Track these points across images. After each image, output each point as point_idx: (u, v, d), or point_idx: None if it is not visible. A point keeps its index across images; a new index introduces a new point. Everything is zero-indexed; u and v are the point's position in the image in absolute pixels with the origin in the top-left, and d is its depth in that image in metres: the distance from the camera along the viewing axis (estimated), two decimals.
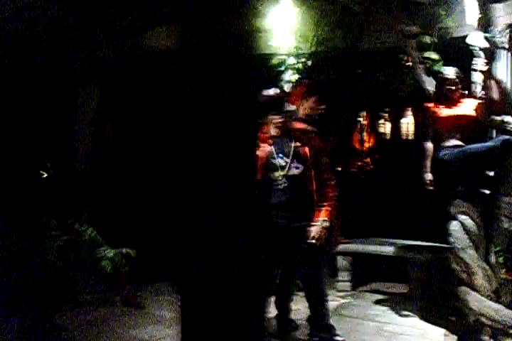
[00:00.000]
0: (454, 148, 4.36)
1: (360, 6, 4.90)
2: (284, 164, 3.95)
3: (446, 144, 4.43)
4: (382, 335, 4.17)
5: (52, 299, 4.30)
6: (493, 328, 3.98)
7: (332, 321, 4.05)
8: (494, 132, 4.42)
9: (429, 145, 4.54)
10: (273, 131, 4.02)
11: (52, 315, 4.28)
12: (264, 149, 4.01)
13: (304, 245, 3.89)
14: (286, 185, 3.93)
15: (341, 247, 5.12)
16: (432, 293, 4.96)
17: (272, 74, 5.42)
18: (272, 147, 4.02)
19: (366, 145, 8.12)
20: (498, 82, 4.24)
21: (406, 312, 4.77)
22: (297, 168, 3.93)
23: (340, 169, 7.64)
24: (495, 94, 4.25)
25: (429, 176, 4.54)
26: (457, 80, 4.45)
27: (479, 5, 4.27)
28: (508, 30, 4.25)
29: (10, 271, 4.06)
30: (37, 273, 4.06)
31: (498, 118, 4.26)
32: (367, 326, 4.45)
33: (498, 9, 4.27)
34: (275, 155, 3.99)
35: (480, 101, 4.33)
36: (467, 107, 4.41)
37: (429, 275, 5.02)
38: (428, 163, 4.55)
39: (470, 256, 4.13)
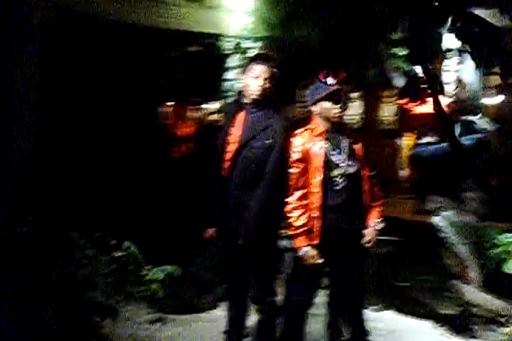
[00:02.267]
0: (429, 145, 4.46)
1: None
2: (340, 162, 3.47)
3: (421, 141, 4.49)
4: (378, 334, 4.02)
5: None
6: (484, 317, 4.21)
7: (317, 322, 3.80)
8: (458, 129, 4.64)
9: (402, 142, 4.55)
10: (324, 125, 3.49)
11: None
12: (320, 145, 3.44)
13: (360, 249, 3.49)
14: (344, 184, 3.45)
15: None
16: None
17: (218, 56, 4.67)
18: (326, 143, 3.47)
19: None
20: (465, 83, 4.50)
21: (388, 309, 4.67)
22: (352, 165, 3.50)
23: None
24: (463, 94, 4.49)
25: (405, 172, 4.56)
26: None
27: None
28: None
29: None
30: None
31: (467, 117, 4.52)
32: None
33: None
34: (332, 152, 3.46)
35: (450, 99, 4.50)
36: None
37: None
38: (402, 160, 4.56)
39: (463, 250, 4.29)
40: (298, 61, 4.78)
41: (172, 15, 4.68)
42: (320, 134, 3.49)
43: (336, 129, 3.54)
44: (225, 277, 3.73)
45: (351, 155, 3.52)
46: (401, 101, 4.63)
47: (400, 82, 4.68)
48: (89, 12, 4.25)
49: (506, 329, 4.18)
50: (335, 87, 3.45)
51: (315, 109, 3.50)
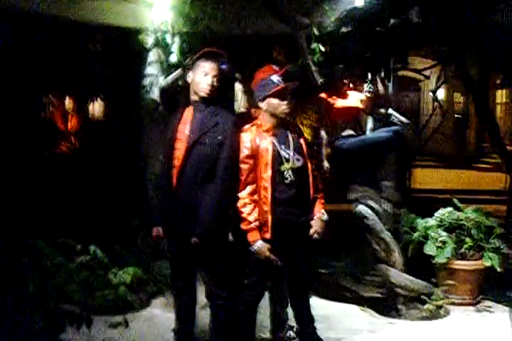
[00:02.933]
0: (350, 137, 4.73)
1: None
2: (287, 156, 3.61)
3: (342, 134, 4.74)
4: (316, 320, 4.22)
5: None
6: (407, 297, 4.58)
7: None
8: (370, 123, 4.94)
9: (323, 134, 4.76)
10: (271, 121, 3.60)
11: None
12: (268, 140, 3.55)
13: (308, 240, 3.67)
14: (292, 178, 3.60)
15: None
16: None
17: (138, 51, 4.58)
18: (274, 138, 3.59)
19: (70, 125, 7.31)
20: (380, 77, 4.81)
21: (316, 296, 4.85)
22: (298, 160, 3.65)
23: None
24: (380, 89, 4.81)
25: (326, 164, 4.77)
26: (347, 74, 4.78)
27: None
28: None
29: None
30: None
31: (383, 110, 4.83)
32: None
33: None
34: (279, 147, 3.59)
35: (367, 94, 4.79)
36: (355, 100, 4.81)
37: None
38: (324, 151, 4.78)
39: (388, 236, 4.61)
40: None
41: (92, 9, 4.51)
42: (268, 130, 3.56)
43: (282, 125, 3.62)
44: (173, 275, 3.69)
45: (297, 149, 3.62)
46: (322, 96, 4.79)
47: (319, 76, 4.83)
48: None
49: (427, 306, 4.51)
50: (282, 84, 3.52)
51: (262, 105, 3.56)
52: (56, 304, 2.43)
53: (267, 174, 3.48)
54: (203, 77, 3.46)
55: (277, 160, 3.54)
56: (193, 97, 3.53)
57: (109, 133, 5.87)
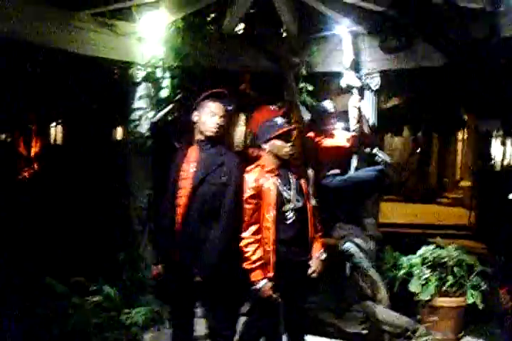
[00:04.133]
0: (336, 175, 4.86)
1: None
2: (289, 197, 3.69)
3: (329, 172, 4.87)
4: None
5: None
6: (392, 333, 4.68)
7: None
8: (355, 162, 5.09)
9: (311, 172, 4.87)
10: (274, 162, 3.69)
11: None
12: (272, 181, 3.64)
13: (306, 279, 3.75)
14: (293, 218, 3.68)
15: None
16: None
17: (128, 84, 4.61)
18: (277, 179, 3.68)
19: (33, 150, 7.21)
20: (366, 118, 5.00)
21: None
22: (298, 200, 3.74)
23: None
24: (365, 128, 4.98)
25: (313, 201, 4.86)
26: (334, 114, 4.94)
27: (353, 47, 4.92)
28: (374, 74, 5.02)
29: None
30: None
31: (368, 150, 5.00)
32: None
33: (369, 54, 5.00)
34: (281, 188, 3.68)
35: (352, 133, 4.95)
36: (342, 139, 4.97)
37: None
38: (311, 189, 4.87)
39: (374, 273, 4.73)
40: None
41: (83, 40, 4.52)
42: (271, 171, 3.63)
43: (284, 166, 3.69)
44: (173, 311, 3.67)
45: (298, 190, 3.70)
46: (309, 135, 4.90)
47: (306, 116, 4.96)
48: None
49: None
50: (286, 127, 3.61)
51: (266, 146, 3.63)
52: None
53: (269, 214, 3.54)
54: (210, 117, 3.52)
55: (280, 200, 3.59)
56: (199, 137, 3.57)
57: (95, 164, 5.80)
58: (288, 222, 3.61)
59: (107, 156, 5.62)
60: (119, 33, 4.72)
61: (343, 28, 4.86)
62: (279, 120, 3.64)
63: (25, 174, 6.75)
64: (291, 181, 3.68)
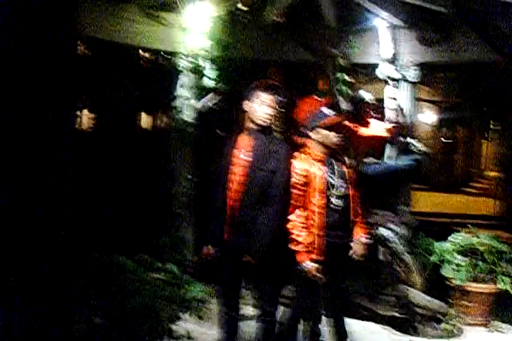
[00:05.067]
0: (375, 164, 5.01)
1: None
2: (334, 183, 3.86)
3: (367, 161, 5.02)
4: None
5: None
6: (424, 316, 4.85)
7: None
8: (389, 150, 5.24)
9: (347, 160, 5.01)
10: (321, 150, 3.85)
11: None
12: (319, 168, 3.81)
13: (347, 261, 3.92)
14: (338, 204, 3.85)
15: None
16: None
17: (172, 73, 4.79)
18: (323, 166, 3.85)
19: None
20: (401, 109, 5.14)
21: None
22: (343, 186, 3.91)
23: None
24: (400, 118, 5.12)
25: None
26: (370, 104, 5.08)
27: (392, 39, 5.04)
28: (412, 66, 5.15)
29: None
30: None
31: (403, 139, 5.15)
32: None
33: (407, 46, 5.13)
34: (327, 174, 3.85)
35: (388, 123, 5.10)
36: (377, 128, 5.11)
37: None
38: None
39: (408, 258, 4.89)
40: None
41: (132, 32, 4.70)
42: (317, 158, 3.79)
43: (329, 153, 3.86)
44: (222, 291, 3.86)
45: (342, 177, 3.87)
46: (346, 124, 5.04)
47: (344, 105, 5.12)
48: None
49: (443, 326, 4.78)
50: (334, 116, 3.77)
51: (312, 134, 3.79)
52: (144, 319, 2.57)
53: (316, 199, 3.71)
54: (261, 107, 3.68)
55: (325, 186, 3.76)
56: (250, 125, 3.74)
57: (140, 151, 6.00)
58: (333, 206, 3.76)
59: (151, 142, 5.82)
60: (164, 24, 4.88)
61: (381, 21, 4.98)
62: (326, 110, 3.79)
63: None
64: (336, 169, 3.84)
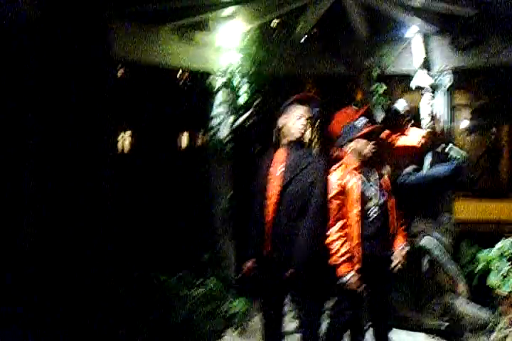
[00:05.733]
0: (412, 173, 4.96)
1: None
2: (374, 193, 3.84)
3: (406, 169, 4.98)
4: None
5: None
6: (474, 325, 4.74)
7: None
8: (429, 158, 5.18)
9: (388, 168, 4.98)
10: (357, 160, 3.85)
11: None
12: (355, 179, 3.80)
13: (389, 273, 3.88)
14: (376, 214, 3.83)
15: None
16: None
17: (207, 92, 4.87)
18: (361, 176, 3.84)
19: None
20: (438, 116, 5.08)
21: None
22: (382, 197, 3.88)
23: None
24: (437, 126, 5.07)
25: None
26: (408, 112, 5.05)
27: (424, 46, 5.01)
28: (446, 72, 5.11)
29: None
30: None
31: (442, 147, 5.09)
32: None
33: (439, 53, 5.10)
34: (365, 185, 3.83)
35: (426, 131, 5.05)
36: (415, 137, 5.07)
37: None
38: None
39: (453, 267, 4.80)
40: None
41: (166, 52, 4.81)
42: (355, 168, 3.80)
43: (367, 163, 3.86)
44: (265, 304, 3.88)
45: (381, 186, 3.86)
46: (384, 134, 5.04)
47: (381, 116, 5.11)
48: None
49: (493, 335, 4.67)
50: (370, 127, 3.79)
51: (350, 145, 3.81)
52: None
53: (354, 211, 3.72)
54: (296, 120, 3.72)
55: (364, 197, 3.77)
56: (286, 139, 3.78)
57: (180, 170, 6.11)
58: (371, 217, 3.76)
59: (192, 162, 5.91)
60: (197, 44, 4.98)
61: (412, 29, 4.98)
62: (363, 120, 3.81)
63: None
64: (374, 178, 3.84)
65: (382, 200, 3.83)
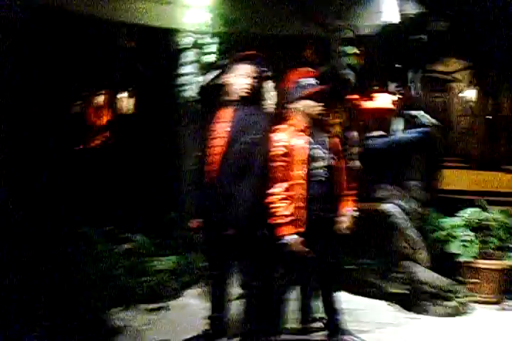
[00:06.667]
0: (380, 137, 4.86)
1: None
2: (323, 155, 3.76)
3: (373, 134, 4.88)
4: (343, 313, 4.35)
5: None
6: (432, 293, 4.69)
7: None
8: (398, 124, 5.07)
9: (355, 134, 4.90)
10: (305, 121, 3.76)
11: None
12: (303, 139, 3.72)
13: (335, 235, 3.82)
14: (324, 176, 3.75)
15: None
16: None
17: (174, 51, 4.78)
18: (309, 137, 3.75)
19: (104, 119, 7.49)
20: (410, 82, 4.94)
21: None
22: (331, 158, 3.80)
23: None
24: (410, 91, 4.93)
25: (357, 163, 4.91)
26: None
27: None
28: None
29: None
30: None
31: (413, 112, 4.96)
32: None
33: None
34: (313, 146, 3.75)
35: (396, 96, 4.92)
36: (384, 101, 4.95)
37: None
38: (355, 151, 4.92)
39: (415, 233, 4.74)
40: None
41: (129, 9, 4.72)
42: (302, 130, 3.72)
43: (316, 125, 3.78)
44: (210, 265, 3.87)
45: (330, 148, 3.78)
46: (351, 97, 4.94)
47: (352, 78, 4.99)
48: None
49: (452, 303, 4.63)
50: (318, 87, 3.69)
51: (298, 105, 3.72)
52: (102, 287, 2.61)
53: (301, 172, 3.65)
54: (241, 78, 3.64)
55: (310, 158, 3.69)
56: (231, 97, 3.71)
57: (146, 128, 6.09)
58: (318, 179, 3.70)
59: (161, 121, 5.87)
60: (165, 1, 4.87)
61: None
62: (311, 80, 3.72)
63: (96, 142, 7.10)
64: (323, 139, 3.76)
65: (330, 162, 3.74)
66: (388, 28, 4.77)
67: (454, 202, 6.60)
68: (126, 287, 3.36)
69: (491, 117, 11.62)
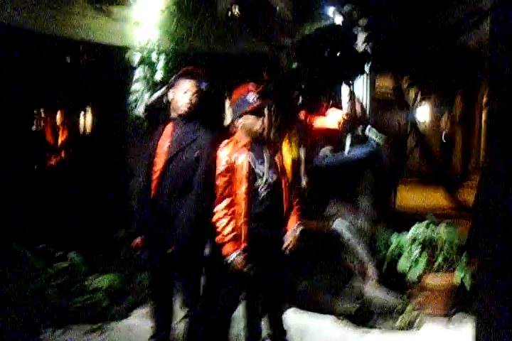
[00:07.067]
0: (330, 152, 4.90)
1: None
2: (261, 172, 3.76)
3: (323, 150, 4.92)
4: (291, 332, 4.32)
5: None
6: (382, 308, 4.71)
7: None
8: (349, 140, 5.12)
9: (303, 151, 4.93)
10: (247, 137, 3.77)
11: None
12: (244, 156, 3.71)
13: (281, 253, 3.81)
14: (266, 193, 3.75)
15: None
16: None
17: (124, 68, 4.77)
18: (251, 153, 3.75)
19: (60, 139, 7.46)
20: (357, 97, 5.01)
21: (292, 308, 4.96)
22: (273, 175, 3.80)
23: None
24: (357, 107, 5.00)
25: (305, 179, 4.93)
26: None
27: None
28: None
29: None
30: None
31: (360, 128, 5.02)
32: None
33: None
34: (254, 163, 3.75)
35: (343, 113, 4.98)
36: (333, 118, 5.00)
37: None
38: (303, 168, 4.94)
39: (364, 250, 4.76)
40: None
41: (80, 26, 4.69)
42: (244, 146, 3.71)
43: (259, 141, 3.78)
44: (152, 284, 3.82)
45: (272, 165, 3.77)
46: (301, 114, 4.97)
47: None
48: None
49: (401, 318, 4.65)
50: (258, 102, 3.70)
51: (239, 121, 3.72)
52: (34, 307, 2.54)
53: (242, 189, 3.63)
54: (182, 94, 3.63)
55: (252, 175, 3.68)
56: (173, 114, 3.70)
57: (95, 147, 6.03)
58: (260, 196, 3.67)
59: (111, 139, 5.82)
60: (115, 18, 4.86)
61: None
62: (252, 96, 3.71)
63: (52, 161, 7.01)
64: (265, 156, 3.75)
65: (272, 179, 3.73)
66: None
67: (408, 219, 6.66)
68: (59, 306, 3.27)
69: (445, 134, 11.90)
